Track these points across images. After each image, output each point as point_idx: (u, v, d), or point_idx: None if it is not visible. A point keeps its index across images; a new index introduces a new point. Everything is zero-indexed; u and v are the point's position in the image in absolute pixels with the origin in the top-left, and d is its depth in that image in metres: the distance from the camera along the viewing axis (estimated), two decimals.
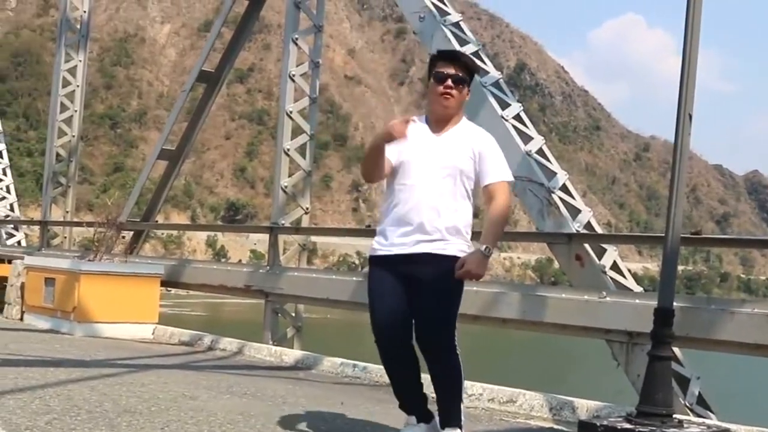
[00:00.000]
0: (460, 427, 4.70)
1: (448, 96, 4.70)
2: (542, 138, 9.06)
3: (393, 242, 4.68)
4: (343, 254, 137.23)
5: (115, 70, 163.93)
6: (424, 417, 4.88)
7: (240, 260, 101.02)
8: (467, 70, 4.78)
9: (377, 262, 4.77)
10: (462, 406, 4.74)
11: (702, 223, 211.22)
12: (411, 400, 4.88)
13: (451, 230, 4.65)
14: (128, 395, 6.12)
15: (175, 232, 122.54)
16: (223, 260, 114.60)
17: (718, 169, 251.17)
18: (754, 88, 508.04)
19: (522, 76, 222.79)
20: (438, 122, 4.78)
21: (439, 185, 4.64)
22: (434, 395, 4.80)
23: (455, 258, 4.60)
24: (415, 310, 4.64)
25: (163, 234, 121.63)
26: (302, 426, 5.44)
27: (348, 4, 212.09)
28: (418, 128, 4.74)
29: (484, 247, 4.57)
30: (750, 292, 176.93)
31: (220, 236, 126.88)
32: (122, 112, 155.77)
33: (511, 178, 4.81)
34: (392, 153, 4.71)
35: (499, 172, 4.75)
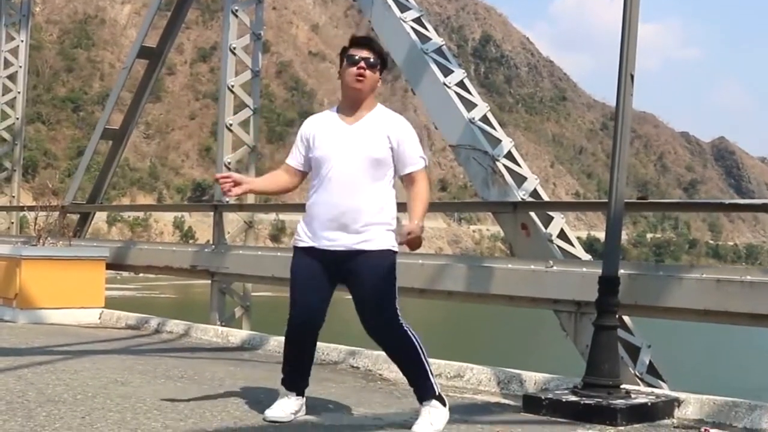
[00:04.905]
0: (437, 397, 4.78)
1: (361, 78, 4.79)
2: (486, 105, 8.83)
3: (319, 237, 4.80)
4: None
5: (76, 52, 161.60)
6: (300, 392, 5.09)
7: (208, 240, 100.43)
8: (379, 55, 4.89)
9: (303, 251, 4.88)
10: (432, 377, 4.80)
11: (669, 190, 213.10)
12: (297, 380, 5.05)
13: (376, 223, 4.75)
14: (56, 383, 5.91)
15: (141, 214, 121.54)
16: (191, 241, 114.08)
17: (685, 136, 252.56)
18: (717, 54, 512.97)
19: (487, 48, 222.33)
20: (351, 107, 4.87)
21: (359, 178, 4.76)
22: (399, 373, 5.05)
23: (383, 251, 4.75)
24: (355, 302, 4.81)
25: (129, 216, 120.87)
26: (233, 410, 5.22)
27: None
28: (329, 120, 4.88)
29: (416, 222, 4.67)
30: (718, 257, 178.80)
31: (188, 216, 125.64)
32: (84, 95, 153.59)
33: (426, 163, 4.91)
34: (307, 147, 4.91)
35: (416, 159, 4.85)
